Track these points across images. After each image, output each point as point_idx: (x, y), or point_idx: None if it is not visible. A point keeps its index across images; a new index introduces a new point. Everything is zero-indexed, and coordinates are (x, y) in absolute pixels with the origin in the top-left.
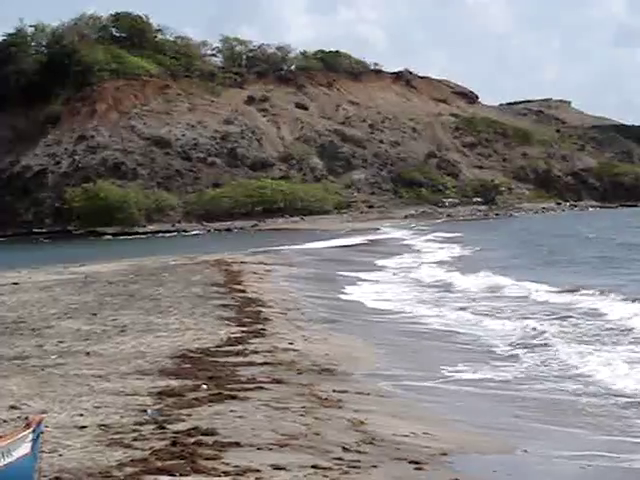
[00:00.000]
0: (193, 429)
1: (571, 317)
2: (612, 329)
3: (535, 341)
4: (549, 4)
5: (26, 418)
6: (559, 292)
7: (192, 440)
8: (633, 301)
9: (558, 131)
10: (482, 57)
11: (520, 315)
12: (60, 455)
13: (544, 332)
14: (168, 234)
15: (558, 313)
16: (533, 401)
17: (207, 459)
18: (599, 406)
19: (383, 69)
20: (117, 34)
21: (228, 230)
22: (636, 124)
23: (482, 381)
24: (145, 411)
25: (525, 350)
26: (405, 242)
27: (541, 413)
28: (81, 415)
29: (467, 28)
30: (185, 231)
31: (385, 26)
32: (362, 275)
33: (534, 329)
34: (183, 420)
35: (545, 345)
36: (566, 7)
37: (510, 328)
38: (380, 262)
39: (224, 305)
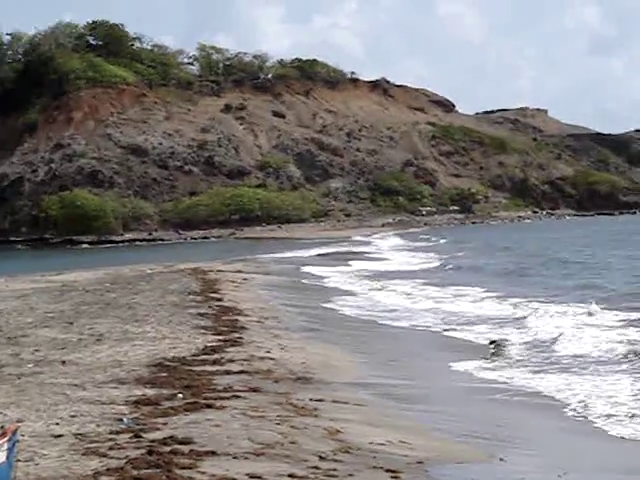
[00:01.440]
0: (169, 438)
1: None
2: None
3: (509, 348)
4: (522, 14)
5: (2, 427)
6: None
7: (168, 449)
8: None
9: (535, 139)
10: (458, 66)
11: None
12: (36, 464)
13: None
14: (145, 242)
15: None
16: (512, 409)
17: (183, 468)
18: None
19: (360, 78)
20: (94, 42)
21: (205, 238)
22: (612, 133)
23: (461, 389)
24: (121, 420)
25: (502, 357)
26: (380, 250)
27: (521, 421)
28: (57, 424)
29: (442, 37)
30: (162, 239)
31: (361, 35)
32: (339, 285)
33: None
34: (159, 429)
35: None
36: (539, 16)
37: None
38: (354, 269)
39: (201, 314)
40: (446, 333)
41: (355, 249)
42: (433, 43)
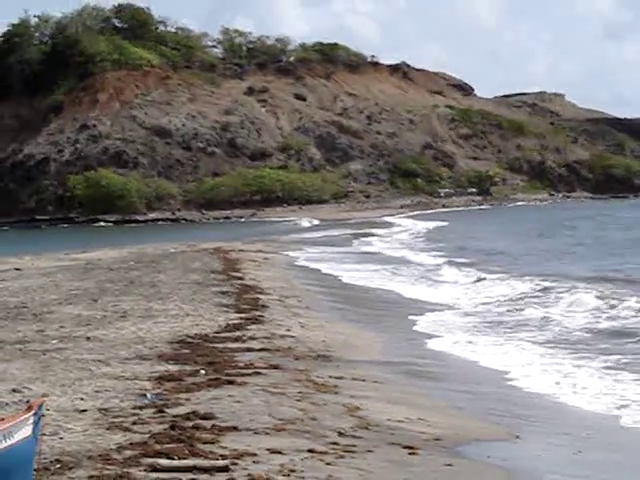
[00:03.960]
0: (192, 413)
1: None
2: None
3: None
4: None
5: (27, 401)
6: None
7: (190, 424)
8: None
9: (552, 123)
10: (473, 50)
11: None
12: (61, 438)
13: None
14: (168, 222)
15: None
16: (529, 388)
17: (205, 443)
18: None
19: (380, 61)
20: (119, 25)
21: (227, 218)
22: (627, 117)
23: (479, 368)
24: (144, 395)
25: (517, 331)
26: (401, 234)
27: (538, 400)
28: (81, 399)
29: (457, 21)
30: (185, 219)
31: (378, 18)
32: (358, 266)
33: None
34: (182, 404)
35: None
36: (552, 0)
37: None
38: (372, 250)
39: (223, 292)
40: (465, 314)
41: (374, 230)
42: (448, 27)
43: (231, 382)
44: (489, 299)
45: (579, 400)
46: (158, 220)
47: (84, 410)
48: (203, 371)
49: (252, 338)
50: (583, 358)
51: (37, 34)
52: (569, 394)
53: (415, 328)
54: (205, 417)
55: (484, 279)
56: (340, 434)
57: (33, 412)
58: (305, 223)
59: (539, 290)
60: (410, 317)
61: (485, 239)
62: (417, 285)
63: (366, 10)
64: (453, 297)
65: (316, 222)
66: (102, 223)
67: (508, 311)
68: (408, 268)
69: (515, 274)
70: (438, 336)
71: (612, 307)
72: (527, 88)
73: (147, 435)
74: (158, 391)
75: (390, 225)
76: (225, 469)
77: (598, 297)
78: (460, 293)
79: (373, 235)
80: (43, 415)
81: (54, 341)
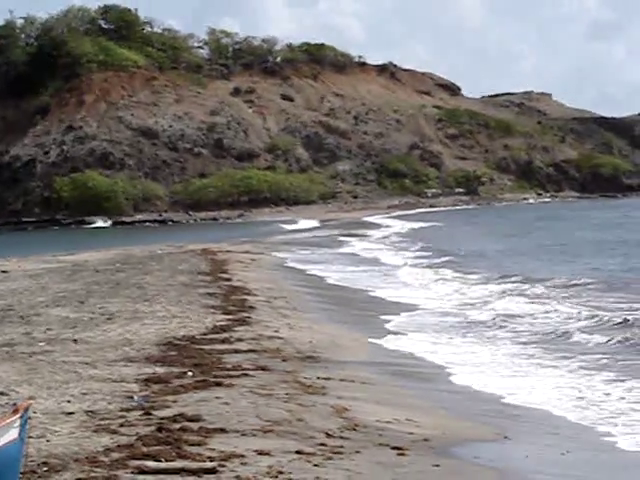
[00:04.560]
0: (179, 415)
1: None
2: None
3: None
4: None
5: (14, 404)
6: None
7: (178, 426)
8: None
9: (539, 123)
10: (460, 50)
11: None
12: (47, 441)
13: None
14: (156, 223)
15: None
16: (512, 389)
17: (192, 445)
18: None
19: (367, 61)
20: (105, 26)
21: (214, 220)
22: (614, 116)
23: (463, 367)
24: (131, 397)
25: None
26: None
27: (527, 400)
28: (68, 401)
29: (445, 21)
30: (172, 220)
31: (364, 18)
32: (342, 267)
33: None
34: (169, 406)
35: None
36: (538, 0)
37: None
38: (356, 251)
39: (210, 293)
40: (443, 314)
41: (359, 231)
42: (435, 27)
43: (218, 384)
44: (467, 299)
45: (562, 401)
46: (145, 221)
47: (71, 413)
48: (190, 373)
49: (239, 339)
50: (560, 358)
51: (23, 36)
52: (553, 395)
53: (401, 329)
54: (192, 419)
55: (460, 280)
56: (328, 435)
57: (19, 415)
58: (302, 224)
59: (513, 290)
60: (394, 317)
61: (466, 240)
62: (400, 287)
63: (353, 10)
64: (431, 298)
65: (316, 223)
66: (102, 223)
67: (485, 311)
68: (389, 269)
69: (491, 275)
70: (421, 337)
71: (587, 312)
72: (514, 88)
73: (134, 437)
74: (145, 393)
75: (376, 226)
76: (212, 471)
77: (570, 299)
78: (439, 294)
79: (358, 236)
80: (29, 418)
81: (41, 343)
